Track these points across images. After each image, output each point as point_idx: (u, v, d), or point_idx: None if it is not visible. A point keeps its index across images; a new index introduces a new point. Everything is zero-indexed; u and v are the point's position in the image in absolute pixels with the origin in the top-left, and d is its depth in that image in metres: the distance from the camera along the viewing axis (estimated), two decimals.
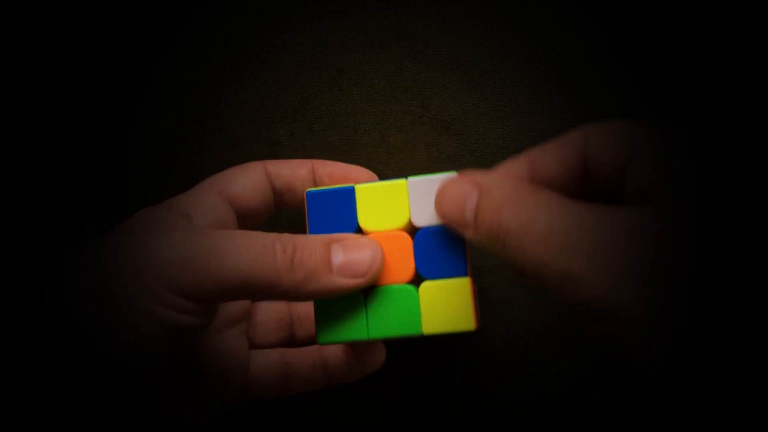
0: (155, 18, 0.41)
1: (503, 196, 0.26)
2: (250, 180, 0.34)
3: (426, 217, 0.31)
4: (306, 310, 0.37)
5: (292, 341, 0.37)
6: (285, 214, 0.39)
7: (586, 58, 0.39)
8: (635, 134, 0.26)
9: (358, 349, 0.35)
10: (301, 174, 0.35)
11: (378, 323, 0.31)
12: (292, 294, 0.29)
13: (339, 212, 0.32)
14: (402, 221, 0.31)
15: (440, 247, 0.30)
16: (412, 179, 0.31)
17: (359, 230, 0.32)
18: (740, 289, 0.22)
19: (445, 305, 0.30)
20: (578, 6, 0.39)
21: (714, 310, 0.22)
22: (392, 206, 0.31)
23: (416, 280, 0.31)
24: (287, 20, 0.41)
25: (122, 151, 0.40)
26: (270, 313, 0.36)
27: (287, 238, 0.29)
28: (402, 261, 0.31)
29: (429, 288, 0.30)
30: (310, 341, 0.36)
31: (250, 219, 0.34)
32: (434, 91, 0.40)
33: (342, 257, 0.30)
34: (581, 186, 0.28)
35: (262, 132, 0.40)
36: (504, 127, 0.39)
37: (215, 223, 0.33)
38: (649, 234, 0.23)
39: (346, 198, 0.31)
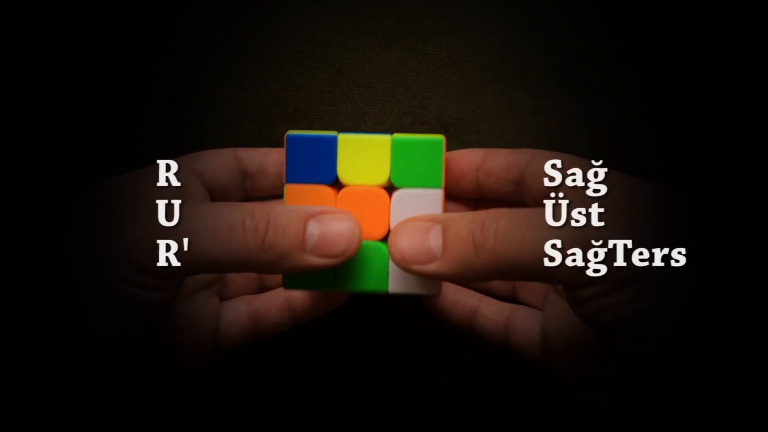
0: (155, 18, 0.41)
1: (471, 215, 0.28)
2: (217, 158, 0.34)
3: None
4: None
5: (261, 291, 0.37)
6: None
7: (586, 58, 0.39)
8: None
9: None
10: (272, 158, 0.35)
11: (345, 277, 0.30)
12: (263, 271, 0.29)
13: (318, 160, 0.31)
14: (381, 178, 0.31)
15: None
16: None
17: (337, 181, 0.31)
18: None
19: None
20: (578, 6, 0.39)
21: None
22: (373, 162, 0.31)
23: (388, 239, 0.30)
24: (287, 20, 0.41)
25: (122, 150, 0.40)
26: None
27: (261, 211, 0.28)
28: (377, 218, 0.30)
29: None
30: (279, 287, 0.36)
31: (221, 197, 0.34)
32: (434, 91, 0.40)
33: (318, 234, 0.28)
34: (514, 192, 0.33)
35: (262, 132, 0.40)
36: (504, 127, 0.39)
37: (184, 192, 0.32)
38: None
39: (328, 146, 0.31)
